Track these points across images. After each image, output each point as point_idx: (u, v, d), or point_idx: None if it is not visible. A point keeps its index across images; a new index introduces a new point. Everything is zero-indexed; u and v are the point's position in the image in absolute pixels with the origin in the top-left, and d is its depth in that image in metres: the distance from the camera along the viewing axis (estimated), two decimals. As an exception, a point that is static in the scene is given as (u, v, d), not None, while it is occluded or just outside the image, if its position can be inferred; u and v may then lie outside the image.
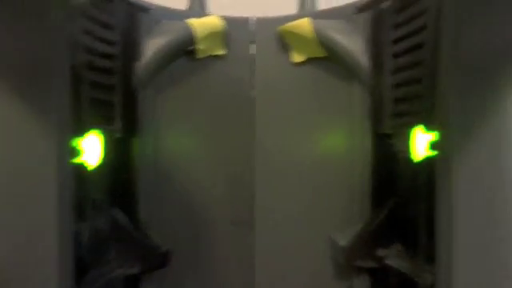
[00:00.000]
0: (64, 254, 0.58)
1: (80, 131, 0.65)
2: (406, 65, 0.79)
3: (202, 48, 0.95)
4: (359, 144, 0.91)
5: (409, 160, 0.76)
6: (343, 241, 0.86)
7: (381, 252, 0.83)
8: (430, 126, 0.68)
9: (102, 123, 0.74)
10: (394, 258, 0.80)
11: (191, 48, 0.94)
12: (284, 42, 0.97)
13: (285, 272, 0.96)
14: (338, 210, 0.94)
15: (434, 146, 0.66)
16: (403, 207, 0.78)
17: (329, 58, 0.94)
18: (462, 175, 0.59)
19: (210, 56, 0.97)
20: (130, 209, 0.87)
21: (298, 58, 0.98)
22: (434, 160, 0.66)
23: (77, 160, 0.64)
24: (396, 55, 0.83)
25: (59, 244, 0.57)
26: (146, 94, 0.91)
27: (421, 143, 0.72)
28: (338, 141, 0.95)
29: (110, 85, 0.77)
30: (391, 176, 0.82)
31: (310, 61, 0.97)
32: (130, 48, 0.86)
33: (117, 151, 0.81)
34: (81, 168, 0.66)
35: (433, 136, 0.67)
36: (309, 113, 0.97)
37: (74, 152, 0.63)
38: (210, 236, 0.95)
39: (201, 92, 0.97)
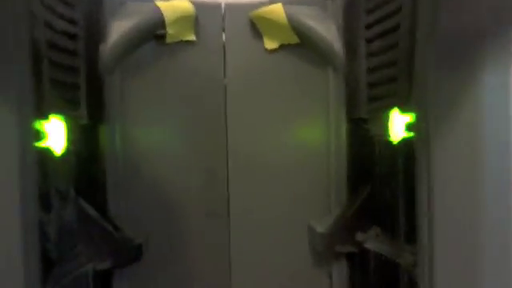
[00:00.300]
0: (29, 246, 0.53)
1: (43, 113, 0.60)
2: (379, 49, 0.79)
3: (171, 32, 0.91)
4: (335, 131, 0.91)
5: (386, 143, 0.77)
6: (321, 228, 0.86)
7: (359, 236, 0.83)
8: (405, 108, 0.68)
9: (67, 108, 0.69)
10: (372, 241, 0.80)
11: (160, 32, 0.90)
12: (256, 28, 0.95)
13: (261, 263, 0.94)
14: (315, 197, 0.93)
15: (410, 127, 0.67)
16: (381, 191, 0.79)
17: (302, 45, 0.93)
18: (440, 154, 0.60)
19: (181, 42, 0.93)
20: (98, 200, 0.82)
21: (270, 44, 0.96)
22: (411, 141, 0.67)
23: (40, 144, 0.59)
24: (369, 40, 0.83)
25: (23, 234, 0.52)
26: (113, 79, 0.86)
27: (397, 125, 0.72)
28: (313, 128, 0.94)
29: (73, 67, 0.72)
30: (368, 161, 0.83)
31: (283, 47, 0.95)
32: (94, 29, 0.81)
33: (83, 139, 0.76)
34: (45, 154, 0.61)
35: (409, 118, 0.68)
36: (283, 101, 0.95)
37: (37, 135, 0.58)
38: (183, 229, 0.92)
39: (170, 79, 0.93)
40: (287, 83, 0.95)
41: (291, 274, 0.93)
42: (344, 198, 0.89)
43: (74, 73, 0.72)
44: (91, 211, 0.75)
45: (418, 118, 0.63)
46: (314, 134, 0.94)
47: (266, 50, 0.96)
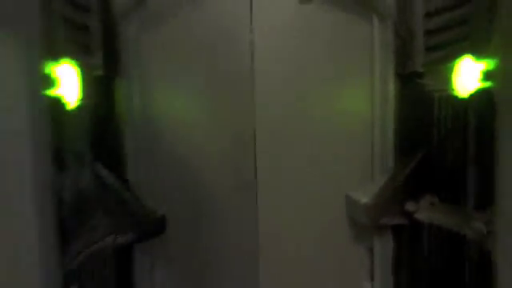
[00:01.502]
0: (44, 211, 0.43)
1: (53, 54, 0.49)
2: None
3: (193, -22, 0.80)
4: (380, 89, 0.80)
5: (449, 98, 0.66)
6: (365, 198, 0.76)
7: (410, 206, 0.73)
8: (482, 54, 0.58)
9: (79, 52, 0.59)
10: (427, 211, 0.71)
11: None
12: (288, -26, 0.84)
13: (291, 238, 0.85)
14: (355, 165, 0.83)
15: (489, 75, 0.57)
16: (440, 154, 0.69)
17: (341, -8, 0.83)
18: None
19: (204, -9, 0.82)
20: (117, 166, 0.72)
21: (304, -7, 0.85)
22: (488, 92, 0.57)
23: (51, 92, 0.49)
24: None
25: (36, 197, 0.42)
26: (129, 29, 0.76)
27: (468, 76, 0.62)
28: (355, 88, 0.83)
29: (85, 6, 0.61)
30: (422, 121, 0.72)
31: (318, -3, 0.85)
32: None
33: (98, 93, 0.66)
34: (57, 103, 0.51)
35: (486, 64, 0.58)
36: (318, 58, 0.84)
37: (48, 80, 0.48)
38: (208, 200, 0.82)
39: (192, 34, 0.82)
40: (323, 38, 0.84)
41: (325, 248, 0.84)
42: (390, 164, 0.79)
43: (87, 12, 0.61)
44: (110, 179, 0.65)
45: (503, 62, 0.53)
46: (356, 93, 0.83)
47: (299, 0, 0.85)
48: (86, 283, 0.56)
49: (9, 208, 0.43)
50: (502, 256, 0.53)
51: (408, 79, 0.75)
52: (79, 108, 0.59)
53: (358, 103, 0.83)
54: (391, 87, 0.78)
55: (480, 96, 0.59)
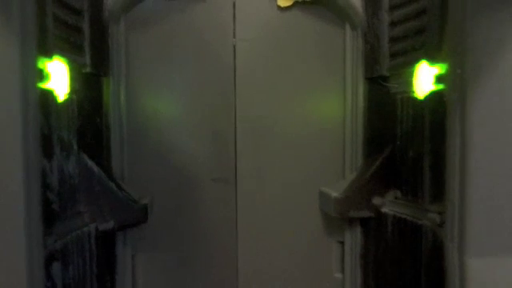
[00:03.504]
0: (31, 192, 0.48)
1: (46, 51, 0.54)
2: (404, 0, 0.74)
3: (179, -15, 0.86)
4: (351, 92, 0.86)
5: (410, 100, 0.72)
6: (335, 192, 0.82)
7: (376, 200, 0.79)
8: (435, 59, 0.64)
9: (70, 51, 0.64)
10: (391, 205, 0.77)
11: (168, -15, 0.85)
12: (269, -17, 0.90)
13: (268, 229, 0.90)
14: (328, 162, 0.89)
15: (441, 78, 0.63)
16: (403, 151, 0.75)
17: (317, 1, 0.88)
18: (476, 105, 0.56)
19: (189, -4, 0.88)
20: (102, 157, 0.77)
21: (283, 1, 0.91)
22: (441, 94, 0.62)
23: (43, 85, 0.54)
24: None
25: (26, 179, 0.47)
26: (118, 30, 0.81)
27: (424, 79, 0.68)
28: (328, 90, 0.89)
29: (77, 8, 0.66)
30: (388, 121, 0.78)
31: (296, 4, 0.90)
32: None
33: (86, 89, 0.71)
34: (47, 96, 0.56)
35: (439, 69, 0.64)
36: (295, 61, 0.90)
37: (40, 74, 0.53)
38: (189, 192, 0.87)
39: (178, 36, 0.87)
40: (300, 43, 0.90)
41: (299, 240, 0.89)
42: (360, 162, 0.85)
43: (78, 14, 0.66)
44: (94, 168, 0.70)
45: (451, 67, 0.59)
46: (329, 95, 0.89)
47: (278, 7, 0.90)
48: (69, 264, 0.61)
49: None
50: (450, 243, 0.59)
51: (376, 82, 0.81)
52: (68, 101, 0.64)
53: (331, 105, 0.89)
54: (361, 90, 0.84)
55: (433, 97, 0.65)
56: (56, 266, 0.55)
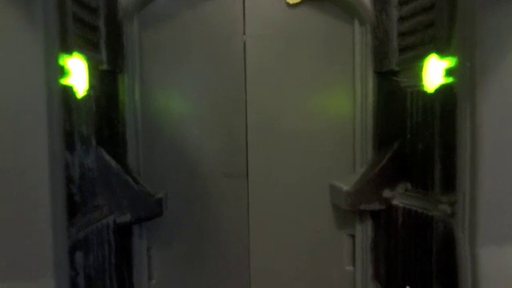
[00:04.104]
0: (56, 185, 0.50)
1: (66, 48, 0.56)
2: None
3: (190, -16, 0.88)
4: (361, 87, 0.87)
5: (419, 94, 0.73)
6: (346, 186, 0.83)
7: (387, 193, 0.80)
8: (445, 53, 0.65)
9: (87, 48, 0.66)
10: (401, 197, 0.78)
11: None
12: (278, -20, 0.92)
13: (280, 222, 0.92)
14: (338, 156, 0.90)
15: (451, 72, 0.64)
16: (413, 144, 0.76)
17: (326, -2, 0.90)
18: (486, 97, 0.57)
19: (200, -5, 0.89)
20: (118, 152, 0.79)
21: (293, -2, 0.92)
22: (451, 87, 0.63)
23: (64, 81, 0.56)
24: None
25: (51, 172, 0.49)
26: (132, 29, 0.83)
27: (434, 73, 0.69)
28: (338, 85, 0.90)
29: (93, 7, 0.68)
30: (397, 115, 0.80)
31: (305, 1, 0.92)
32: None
33: (103, 85, 0.73)
34: (68, 92, 0.58)
35: (448, 62, 0.65)
36: (305, 58, 0.91)
37: (62, 71, 0.55)
38: (202, 187, 0.89)
39: (189, 34, 0.89)
40: (310, 39, 0.92)
41: (310, 234, 0.91)
42: (370, 155, 0.86)
43: (95, 12, 0.68)
44: (112, 163, 0.72)
45: (461, 60, 0.60)
46: (339, 90, 0.90)
47: (287, 4, 0.92)
48: (90, 254, 0.63)
49: (25, 180, 0.49)
50: (462, 233, 0.60)
51: (385, 77, 0.82)
52: (86, 97, 0.65)
53: (341, 100, 0.90)
54: (370, 85, 0.85)
55: (443, 90, 0.66)
56: (79, 256, 0.57)
